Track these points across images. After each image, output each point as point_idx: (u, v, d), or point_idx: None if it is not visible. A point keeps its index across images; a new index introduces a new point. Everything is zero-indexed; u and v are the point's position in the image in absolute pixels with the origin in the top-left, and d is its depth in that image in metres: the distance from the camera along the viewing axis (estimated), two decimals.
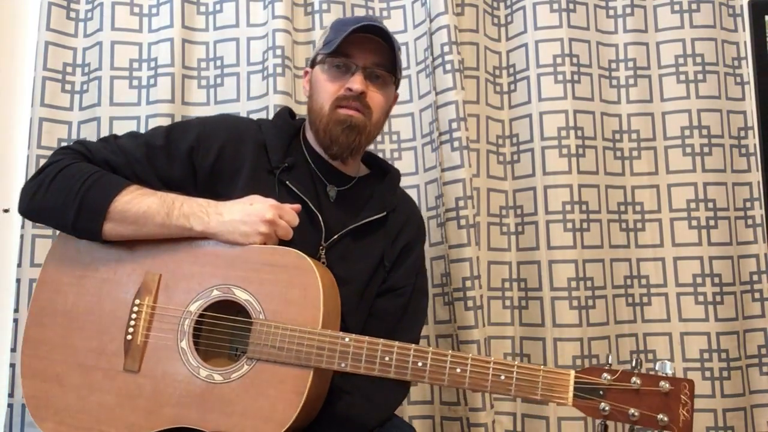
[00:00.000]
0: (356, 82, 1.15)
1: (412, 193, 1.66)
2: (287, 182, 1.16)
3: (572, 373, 0.93)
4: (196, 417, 1.00)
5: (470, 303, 1.53)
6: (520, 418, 1.62)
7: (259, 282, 1.03)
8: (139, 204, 1.07)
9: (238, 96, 1.65)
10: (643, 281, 1.69)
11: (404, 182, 1.65)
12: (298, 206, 1.12)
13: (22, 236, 1.56)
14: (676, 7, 1.73)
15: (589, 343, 1.60)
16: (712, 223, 1.67)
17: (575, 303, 1.60)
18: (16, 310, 1.53)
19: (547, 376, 0.93)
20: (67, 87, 1.65)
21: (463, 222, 1.55)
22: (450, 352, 0.97)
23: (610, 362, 0.94)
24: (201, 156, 1.15)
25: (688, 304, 1.66)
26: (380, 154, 1.67)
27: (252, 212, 1.06)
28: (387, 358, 0.98)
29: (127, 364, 1.05)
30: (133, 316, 1.07)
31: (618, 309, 1.67)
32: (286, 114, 1.28)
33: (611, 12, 1.76)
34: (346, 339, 0.99)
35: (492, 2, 1.77)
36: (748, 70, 1.75)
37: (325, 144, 1.18)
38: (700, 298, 1.66)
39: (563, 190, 1.64)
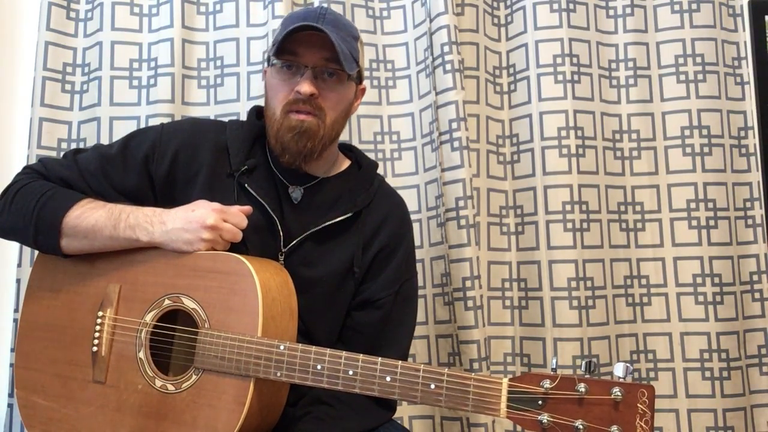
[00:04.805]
0: (305, 85, 1.06)
1: (412, 193, 1.66)
2: (246, 185, 1.12)
3: (505, 381, 0.83)
4: (154, 427, 1.00)
5: (470, 303, 1.53)
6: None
7: (204, 289, 1.02)
8: (88, 218, 1.07)
9: (238, 96, 1.65)
10: (643, 281, 1.69)
11: (404, 182, 1.66)
12: (247, 208, 1.08)
13: None
14: (676, 7, 1.73)
15: (589, 343, 1.60)
16: (712, 223, 1.67)
17: (575, 303, 1.60)
18: (16, 310, 1.53)
19: (478, 385, 0.84)
20: (67, 87, 1.65)
21: (463, 222, 1.55)
22: (380, 359, 0.91)
23: (555, 366, 0.83)
24: (156, 164, 1.13)
25: (688, 304, 1.66)
26: (380, 155, 1.67)
27: (193, 219, 1.04)
28: (319, 367, 0.94)
29: (95, 375, 1.06)
30: (97, 328, 1.07)
31: (618, 309, 1.67)
32: (252, 114, 1.21)
33: (611, 12, 1.76)
34: (281, 347, 0.96)
35: (492, 2, 1.77)
36: (748, 70, 1.75)
37: (277, 152, 1.12)
38: (700, 298, 1.66)
39: (563, 190, 1.64)
